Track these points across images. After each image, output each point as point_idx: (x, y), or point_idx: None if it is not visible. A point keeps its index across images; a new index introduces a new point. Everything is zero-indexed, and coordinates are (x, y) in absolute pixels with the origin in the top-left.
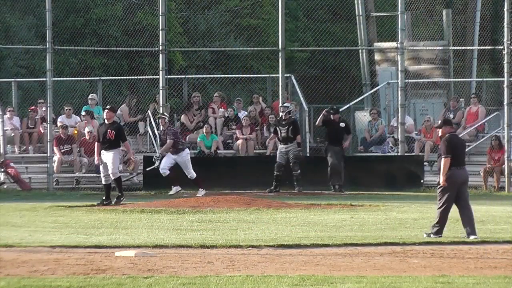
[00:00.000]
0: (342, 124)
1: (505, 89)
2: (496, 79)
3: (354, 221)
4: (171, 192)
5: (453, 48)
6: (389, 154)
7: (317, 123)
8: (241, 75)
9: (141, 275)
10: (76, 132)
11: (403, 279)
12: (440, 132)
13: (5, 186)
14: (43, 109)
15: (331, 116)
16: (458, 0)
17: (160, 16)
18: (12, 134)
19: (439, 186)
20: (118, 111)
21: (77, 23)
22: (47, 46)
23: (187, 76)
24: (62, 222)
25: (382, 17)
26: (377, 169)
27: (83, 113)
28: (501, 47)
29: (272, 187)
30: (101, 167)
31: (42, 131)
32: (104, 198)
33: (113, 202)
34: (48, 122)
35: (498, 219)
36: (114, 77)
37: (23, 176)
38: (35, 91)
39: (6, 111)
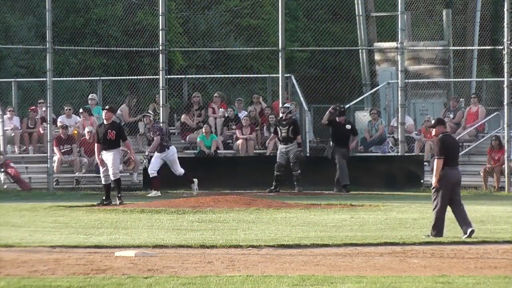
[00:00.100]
0: (348, 126)
1: (505, 89)
2: (496, 79)
3: (354, 221)
4: (150, 195)
5: (453, 48)
6: (389, 154)
7: (323, 120)
8: (241, 75)
9: (141, 275)
10: (76, 132)
11: (403, 279)
12: (434, 131)
13: (5, 186)
14: (43, 109)
15: (337, 118)
16: (458, 0)
17: (160, 16)
18: (12, 134)
19: (432, 187)
20: (118, 111)
21: (77, 23)
22: (47, 46)
23: (187, 76)
24: (62, 222)
25: (382, 17)
26: (377, 169)
27: (81, 110)
28: (501, 47)
29: (272, 187)
30: (101, 167)
31: (42, 132)
32: (104, 198)
33: (117, 203)
34: (48, 122)
35: (498, 219)
36: (114, 77)
37: (23, 176)
38: (35, 91)
39: (6, 111)
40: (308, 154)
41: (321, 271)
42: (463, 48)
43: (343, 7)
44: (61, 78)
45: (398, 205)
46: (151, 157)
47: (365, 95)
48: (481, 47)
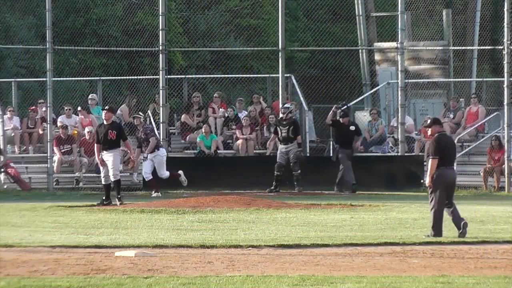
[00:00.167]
0: (352, 128)
1: (505, 89)
2: (496, 79)
3: (354, 221)
4: (153, 195)
5: (453, 48)
6: (389, 154)
7: (326, 120)
8: (241, 75)
9: (141, 275)
10: (76, 132)
11: (403, 279)
12: (429, 131)
13: (5, 186)
14: (43, 109)
15: (341, 120)
16: (458, 0)
17: (160, 16)
18: (12, 134)
19: (426, 186)
20: (118, 111)
21: (77, 23)
22: (47, 46)
23: (187, 76)
24: (62, 222)
25: (382, 17)
26: (377, 169)
27: (79, 108)
28: (501, 47)
29: (272, 187)
30: (101, 167)
31: (41, 132)
32: (104, 198)
33: (117, 203)
34: (48, 122)
35: (498, 219)
36: (114, 77)
37: (23, 176)
38: (35, 91)
39: (6, 111)
40: (308, 154)
41: (321, 271)
42: (463, 48)
43: (343, 7)
44: (61, 78)
45: (398, 205)
46: (147, 158)
47: (365, 95)
48: (481, 47)
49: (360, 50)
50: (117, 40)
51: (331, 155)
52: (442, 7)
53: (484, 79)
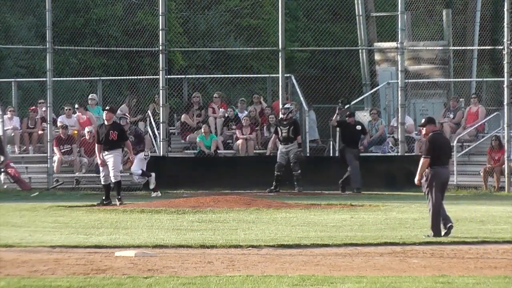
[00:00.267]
0: (359, 127)
1: (505, 89)
2: (496, 79)
3: (354, 221)
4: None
5: (453, 48)
6: (389, 154)
7: (332, 122)
8: (241, 75)
9: (141, 275)
10: (76, 132)
11: (403, 279)
12: (424, 130)
13: (5, 186)
14: (43, 109)
15: (347, 119)
16: (458, 0)
17: (160, 16)
18: (12, 134)
19: (425, 187)
20: (118, 111)
21: (77, 23)
22: (47, 46)
23: (187, 76)
24: (62, 222)
25: (382, 17)
26: (377, 169)
27: (76, 106)
28: (501, 47)
29: (272, 187)
30: (101, 167)
31: (41, 132)
32: (104, 198)
33: (117, 204)
34: (48, 122)
35: (498, 219)
36: (114, 77)
37: (23, 176)
38: (35, 91)
39: (6, 111)
40: (308, 154)
41: (321, 271)
42: (463, 48)
43: (343, 7)
44: (61, 78)
45: (398, 205)
46: (149, 156)
47: (365, 95)
48: (481, 47)
49: (360, 50)
50: (117, 40)
51: (331, 155)
52: (442, 7)
53: (484, 79)
